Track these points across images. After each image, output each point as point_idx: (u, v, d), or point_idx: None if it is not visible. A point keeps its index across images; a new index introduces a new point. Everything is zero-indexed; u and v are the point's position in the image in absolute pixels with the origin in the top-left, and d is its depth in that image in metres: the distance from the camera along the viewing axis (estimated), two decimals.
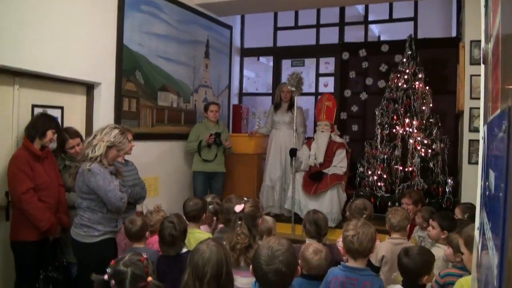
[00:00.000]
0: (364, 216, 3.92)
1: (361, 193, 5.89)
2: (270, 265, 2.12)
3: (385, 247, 3.58)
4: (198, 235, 3.68)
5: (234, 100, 8.13)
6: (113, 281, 2.34)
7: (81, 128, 4.71)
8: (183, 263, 2.48)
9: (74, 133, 4.36)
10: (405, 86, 6.14)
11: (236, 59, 8.15)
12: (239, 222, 3.13)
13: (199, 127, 6.36)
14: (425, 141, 5.90)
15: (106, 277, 2.36)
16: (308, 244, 3.15)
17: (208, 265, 2.30)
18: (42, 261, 4.01)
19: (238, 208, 3.18)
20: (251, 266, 2.26)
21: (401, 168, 5.90)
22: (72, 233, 3.75)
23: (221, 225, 4.11)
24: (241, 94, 8.41)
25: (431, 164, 5.83)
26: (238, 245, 3.05)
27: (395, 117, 6.11)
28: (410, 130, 5.95)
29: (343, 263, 2.96)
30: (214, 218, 4.28)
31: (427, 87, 6.18)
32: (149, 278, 2.38)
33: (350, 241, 2.86)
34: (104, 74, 5.01)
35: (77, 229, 3.70)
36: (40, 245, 3.97)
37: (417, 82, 6.14)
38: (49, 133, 4.01)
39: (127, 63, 5.32)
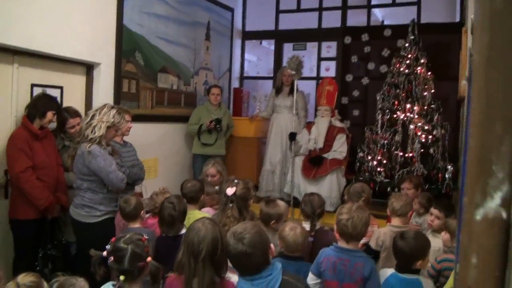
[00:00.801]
0: (362, 199, 3.91)
1: (361, 178, 5.88)
2: (237, 249, 2.18)
3: (385, 232, 3.58)
4: (197, 216, 3.68)
5: (235, 84, 8.09)
6: (112, 258, 2.34)
7: (80, 108, 4.69)
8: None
9: (74, 113, 4.36)
10: (407, 71, 6.09)
11: (237, 42, 8.09)
12: (231, 205, 3.13)
13: (200, 110, 6.34)
14: (426, 127, 5.87)
15: (105, 253, 2.38)
16: (285, 223, 3.15)
17: (203, 242, 2.32)
18: (41, 239, 4.03)
19: (230, 191, 3.18)
20: None
21: (401, 153, 5.88)
22: (73, 213, 3.76)
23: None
24: (242, 78, 8.37)
25: (431, 150, 5.81)
26: (226, 227, 3.06)
27: (396, 102, 6.07)
28: (411, 115, 5.91)
29: (335, 244, 2.96)
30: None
31: (429, 73, 6.13)
32: (149, 259, 2.39)
33: (344, 224, 2.86)
34: (103, 55, 4.98)
35: (78, 209, 3.72)
36: (39, 224, 3.99)
37: (419, 68, 6.08)
38: (49, 114, 4.01)
39: (127, 43, 5.29)
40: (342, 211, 2.96)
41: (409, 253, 2.86)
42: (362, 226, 2.86)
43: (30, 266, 3.63)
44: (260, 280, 2.16)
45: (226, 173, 5.06)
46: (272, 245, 2.35)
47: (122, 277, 2.32)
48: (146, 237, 2.48)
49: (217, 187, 4.19)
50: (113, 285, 2.38)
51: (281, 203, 3.65)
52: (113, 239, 2.44)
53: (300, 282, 2.27)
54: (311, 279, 2.99)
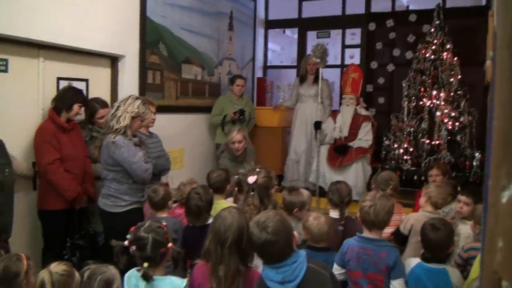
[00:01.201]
0: (390, 187, 3.87)
1: (387, 167, 5.81)
2: (261, 238, 2.18)
3: (417, 217, 3.52)
4: (223, 205, 3.70)
5: (259, 73, 8.07)
6: (134, 247, 2.40)
7: (106, 100, 4.72)
8: None
9: (103, 103, 4.44)
10: (432, 57, 5.99)
11: (260, 32, 8.06)
12: (252, 193, 3.13)
13: (223, 100, 6.35)
14: (453, 114, 5.77)
15: (126, 243, 2.43)
16: (309, 213, 3.14)
17: (230, 230, 2.35)
18: (69, 230, 4.11)
19: (251, 179, 3.19)
20: None
21: (427, 141, 5.80)
22: (100, 203, 3.84)
23: None
24: (265, 67, 8.35)
25: (458, 138, 5.72)
26: (247, 214, 3.06)
27: (422, 89, 5.98)
28: (438, 102, 5.82)
29: (358, 233, 2.95)
30: (236, 189, 4.27)
31: (455, 58, 6.02)
32: (169, 244, 2.43)
33: (366, 212, 2.85)
34: (128, 47, 5.01)
35: (105, 199, 3.79)
36: (67, 214, 4.06)
37: (445, 53, 5.98)
38: (76, 107, 4.06)
39: (150, 35, 5.31)
40: (366, 198, 2.94)
41: (438, 243, 2.84)
42: (385, 215, 2.84)
43: (58, 256, 3.71)
44: (285, 268, 2.16)
45: (250, 142, 5.14)
46: (295, 233, 2.35)
47: (146, 264, 2.38)
48: (165, 224, 2.53)
49: (236, 177, 4.19)
50: (138, 270, 2.43)
51: (304, 191, 3.65)
52: (132, 229, 2.50)
53: (325, 269, 2.26)
54: (335, 269, 2.98)
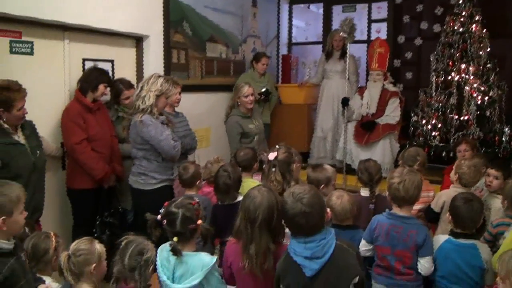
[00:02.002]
0: (418, 163, 3.82)
1: (415, 143, 5.74)
2: (294, 209, 2.16)
3: (449, 194, 3.43)
4: (251, 184, 3.70)
5: (283, 50, 8.00)
6: (165, 221, 2.45)
7: (131, 81, 4.74)
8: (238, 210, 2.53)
9: (128, 84, 4.47)
10: (461, 29, 5.83)
11: (284, 7, 7.97)
12: (273, 169, 3.14)
13: (245, 78, 6.28)
14: (482, 88, 5.64)
15: (159, 217, 2.48)
16: (332, 192, 3.13)
17: (260, 209, 2.37)
18: (98, 208, 4.18)
19: (272, 155, 3.20)
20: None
21: (456, 116, 5.69)
22: (130, 181, 3.93)
23: None
24: (290, 44, 8.26)
25: (487, 112, 5.60)
26: None
27: (450, 63, 5.85)
28: (466, 76, 5.69)
29: (388, 210, 2.93)
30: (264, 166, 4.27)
31: (484, 30, 5.85)
32: (199, 221, 2.45)
33: (396, 188, 2.82)
34: (152, 26, 5.02)
35: (135, 177, 3.88)
36: (96, 193, 4.14)
37: (473, 25, 5.81)
38: (101, 87, 4.10)
39: (174, 14, 5.30)
40: (393, 175, 2.91)
41: (468, 217, 2.81)
42: (414, 189, 2.80)
43: (88, 233, 3.78)
44: (314, 243, 2.15)
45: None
46: (328, 210, 2.34)
47: (175, 238, 2.42)
48: (197, 201, 2.55)
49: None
50: (170, 244, 2.46)
51: (328, 167, 3.64)
52: (165, 204, 2.54)
53: (352, 248, 2.26)
54: (363, 245, 2.99)
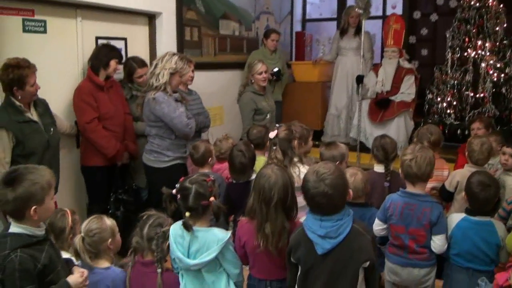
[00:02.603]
0: (431, 140, 3.79)
1: (429, 121, 5.68)
2: (317, 188, 2.13)
3: (463, 174, 3.42)
4: (263, 162, 3.71)
5: (297, 27, 7.91)
6: (179, 196, 2.47)
7: (145, 59, 4.74)
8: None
9: (141, 62, 4.46)
10: (477, 4, 5.71)
11: None
12: (274, 148, 3.14)
13: (257, 56, 6.22)
14: (498, 65, 5.55)
15: (174, 191, 2.50)
16: (345, 170, 3.11)
17: (275, 188, 2.37)
18: (112, 185, 4.23)
19: (272, 134, 3.21)
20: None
21: (472, 94, 5.62)
22: (144, 158, 3.97)
23: None
24: (304, 21, 8.16)
25: (503, 90, 5.51)
26: None
27: (466, 39, 5.75)
28: (483, 53, 5.60)
29: (402, 189, 2.92)
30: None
31: (501, 5, 5.73)
32: (212, 198, 2.46)
33: (408, 165, 2.80)
34: (164, 3, 5.00)
35: (148, 155, 3.91)
36: (109, 170, 4.18)
37: (490, 0, 5.69)
38: (112, 63, 4.10)
39: None
40: (406, 152, 2.90)
41: (486, 200, 2.79)
42: (427, 166, 2.78)
43: (102, 210, 3.83)
44: (330, 223, 2.14)
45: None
46: (350, 190, 2.32)
47: (187, 214, 2.44)
48: (212, 178, 2.56)
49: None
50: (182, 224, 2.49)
51: (341, 144, 3.63)
52: (181, 179, 2.56)
53: (368, 232, 2.23)
54: (377, 225, 2.98)
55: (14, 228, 2.07)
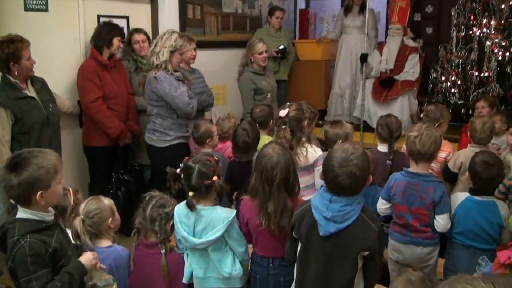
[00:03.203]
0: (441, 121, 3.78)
1: (434, 100, 5.66)
2: (344, 168, 2.05)
3: (466, 155, 3.42)
4: (266, 141, 3.70)
5: (301, 5, 7.83)
6: (182, 175, 2.47)
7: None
8: None
9: (138, 29, 4.48)
10: None
11: None
12: (283, 127, 3.11)
13: (261, 34, 6.16)
14: (503, 43, 5.49)
15: (178, 170, 2.50)
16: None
17: (277, 168, 2.36)
18: (114, 165, 4.24)
19: (283, 112, 3.16)
20: (321, 169, 2.23)
21: (476, 73, 5.58)
22: (146, 138, 3.98)
23: None
24: None
25: (508, 69, 5.46)
26: None
27: (472, 17, 5.68)
28: (488, 31, 5.53)
29: (405, 168, 2.91)
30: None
31: None
32: (215, 178, 2.45)
33: (413, 142, 2.79)
34: None
35: (150, 134, 3.92)
36: (112, 150, 4.20)
37: None
38: (115, 41, 4.09)
39: None
40: (413, 128, 2.89)
41: (490, 180, 2.79)
42: (431, 145, 2.76)
43: (104, 190, 3.85)
44: (337, 206, 2.09)
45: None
46: (370, 176, 2.24)
47: (190, 193, 2.44)
48: (216, 158, 2.55)
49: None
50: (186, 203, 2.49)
51: (346, 123, 3.61)
52: (185, 159, 2.56)
53: (375, 222, 2.15)
54: (381, 203, 2.99)
55: (22, 213, 2.02)
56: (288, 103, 3.31)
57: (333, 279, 2.15)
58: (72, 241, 2.36)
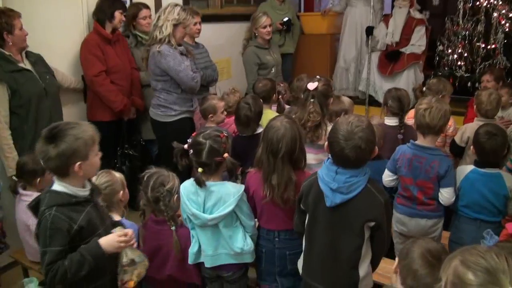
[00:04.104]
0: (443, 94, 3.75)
1: (440, 73, 5.61)
2: (349, 140, 2.04)
3: (472, 128, 3.36)
4: (269, 115, 3.69)
5: None
6: (191, 151, 2.43)
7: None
8: (258, 142, 2.53)
9: (146, 4, 4.45)
10: None
11: None
12: (312, 100, 3.05)
13: (265, 7, 6.08)
14: (510, 15, 5.41)
15: (186, 146, 2.47)
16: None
17: (283, 141, 2.35)
18: (119, 140, 4.25)
19: (312, 85, 3.06)
20: (326, 142, 2.23)
21: (483, 45, 5.52)
22: (151, 113, 3.97)
23: (288, 106, 4.11)
24: None
25: None
26: (309, 122, 3.02)
27: None
28: (495, 2, 5.45)
29: (412, 140, 2.90)
30: (279, 97, 4.23)
31: None
32: (225, 155, 2.44)
33: (422, 114, 2.77)
34: None
35: (155, 109, 3.91)
36: (116, 125, 4.20)
37: None
38: (117, 14, 4.07)
39: None
40: (422, 101, 2.87)
41: (493, 150, 2.78)
42: (440, 119, 2.75)
43: (109, 164, 3.86)
44: (343, 178, 2.09)
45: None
46: (376, 148, 2.23)
47: (200, 169, 2.42)
48: (226, 134, 2.53)
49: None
50: (194, 179, 2.48)
51: (345, 99, 3.60)
52: (194, 134, 2.52)
53: (381, 194, 2.14)
54: (387, 175, 3.00)
55: (56, 186, 2.02)
56: (318, 77, 3.22)
57: (340, 249, 2.17)
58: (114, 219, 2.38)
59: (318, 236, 2.24)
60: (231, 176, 2.58)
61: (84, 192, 2.07)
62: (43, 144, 1.95)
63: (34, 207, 2.04)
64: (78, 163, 1.97)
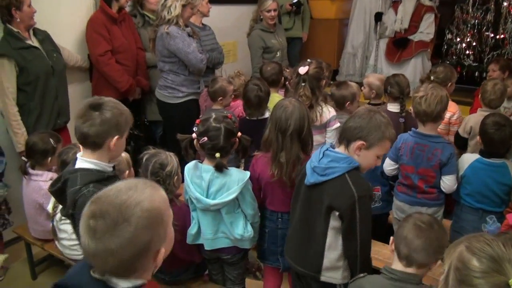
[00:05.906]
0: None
1: (447, 62, 5.58)
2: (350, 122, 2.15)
3: (476, 119, 3.38)
4: (277, 99, 3.68)
5: None
6: (205, 138, 2.38)
7: None
8: (264, 126, 2.54)
9: None
10: None
11: None
12: (303, 84, 3.07)
13: None
14: None
15: (194, 135, 2.44)
16: (360, 108, 3.03)
17: (291, 118, 2.38)
18: None
19: (302, 70, 3.07)
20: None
21: (492, 35, 5.47)
22: (158, 94, 3.96)
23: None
24: None
25: None
26: None
27: None
28: None
29: (414, 128, 2.90)
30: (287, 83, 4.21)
31: None
32: (239, 134, 2.46)
33: (418, 102, 2.77)
34: None
35: (162, 90, 3.90)
36: None
37: None
38: None
39: None
40: (419, 89, 2.87)
41: (501, 141, 2.76)
42: (437, 105, 2.72)
43: None
44: (325, 160, 2.10)
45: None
46: None
47: (217, 154, 2.38)
48: (231, 114, 2.55)
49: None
50: (200, 162, 2.48)
51: (353, 84, 3.59)
52: (198, 121, 2.49)
53: (358, 190, 2.03)
54: (388, 164, 2.99)
55: (83, 163, 1.96)
56: (308, 60, 3.23)
57: (311, 230, 2.20)
58: None
59: (297, 213, 2.29)
60: (244, 155, 2.60)
61: (110, 167, 2.04)
62: (87, 110, 1.91)
63: (61, 188, 1.99)
64: (116, 136, 1.94)
